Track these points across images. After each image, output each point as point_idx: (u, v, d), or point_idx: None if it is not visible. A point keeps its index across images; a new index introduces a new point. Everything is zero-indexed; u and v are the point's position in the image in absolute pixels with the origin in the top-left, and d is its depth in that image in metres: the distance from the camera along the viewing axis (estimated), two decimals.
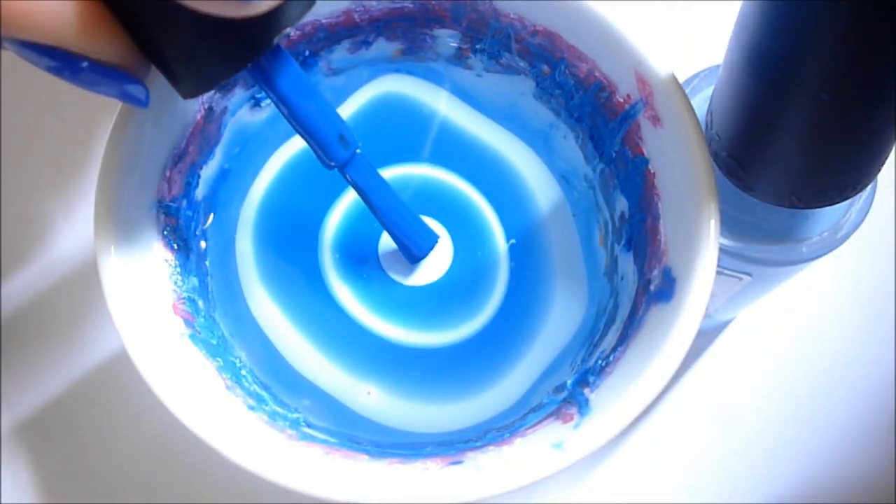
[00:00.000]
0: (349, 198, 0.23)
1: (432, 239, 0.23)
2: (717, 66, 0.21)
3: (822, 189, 0.18)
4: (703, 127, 0.19)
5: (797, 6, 0.15)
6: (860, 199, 0.21)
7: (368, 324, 0.22)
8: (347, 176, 0.20)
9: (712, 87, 0.20)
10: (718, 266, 0.22)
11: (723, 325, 0.29)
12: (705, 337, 0.29)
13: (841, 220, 0.21)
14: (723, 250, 0.21)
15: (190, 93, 0.17)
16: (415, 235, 0.22)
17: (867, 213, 0.21)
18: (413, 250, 0.22)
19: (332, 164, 0.19)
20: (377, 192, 0.21)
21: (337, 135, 0.19)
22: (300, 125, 0.19)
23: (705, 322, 0.28)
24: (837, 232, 0.21)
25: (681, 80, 0.20)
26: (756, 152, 0.18)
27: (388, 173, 0.24)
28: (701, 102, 0.21)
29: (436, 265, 0.23)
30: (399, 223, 0.21)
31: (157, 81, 0.17)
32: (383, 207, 0.21)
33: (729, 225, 0.21)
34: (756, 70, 0.17)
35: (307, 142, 0.19)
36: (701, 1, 0.32)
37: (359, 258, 0.23)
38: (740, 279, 0.22)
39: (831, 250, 0.21)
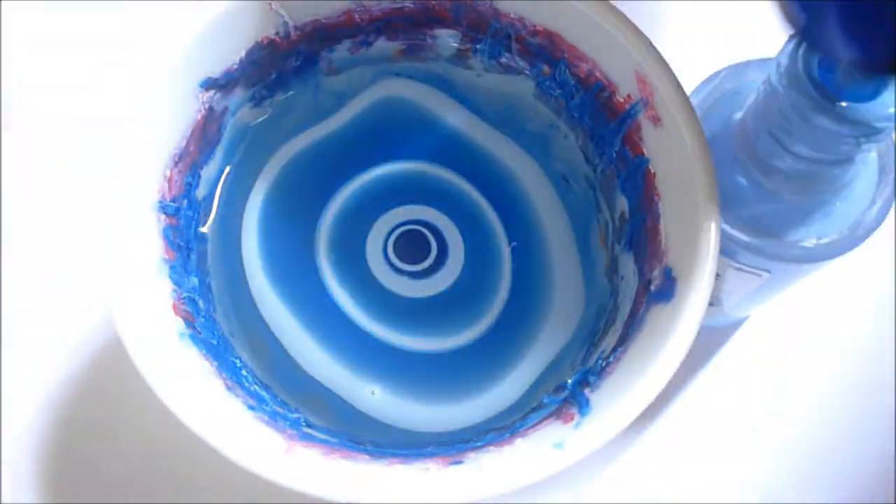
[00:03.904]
0: (345, 196, 0.23)
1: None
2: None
3: None
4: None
5: None
6: (880, 198, 0.21)
7: (371, 329, 0.22)
8: None
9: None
10: (738, 263, 0.22)
11: (736, 325, 0.29)
12: (717, 336, 0.29)
13: (861, 218, 0.21)
14: (743, 246, 0.21)
15: None
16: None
17: (888, 212, 0.21)
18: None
19: None
20: None
21: None
22: None
23: (718, 320, 0.28)
24: (858, 229, 0.21)
25: (681, 80, 0.20)
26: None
27: (398, 168, 0.24)
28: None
29: (448, 272, 0.23)
30: None
31: (157, 82, 0.17)
32: None
33: (748, 221, 0.20)
34: None
35: None
36: (701, 1, 0.32)
37: (354, 260, 0.23)
38: (759, 276, 0.22)
39: (851, 249, 0.20)
